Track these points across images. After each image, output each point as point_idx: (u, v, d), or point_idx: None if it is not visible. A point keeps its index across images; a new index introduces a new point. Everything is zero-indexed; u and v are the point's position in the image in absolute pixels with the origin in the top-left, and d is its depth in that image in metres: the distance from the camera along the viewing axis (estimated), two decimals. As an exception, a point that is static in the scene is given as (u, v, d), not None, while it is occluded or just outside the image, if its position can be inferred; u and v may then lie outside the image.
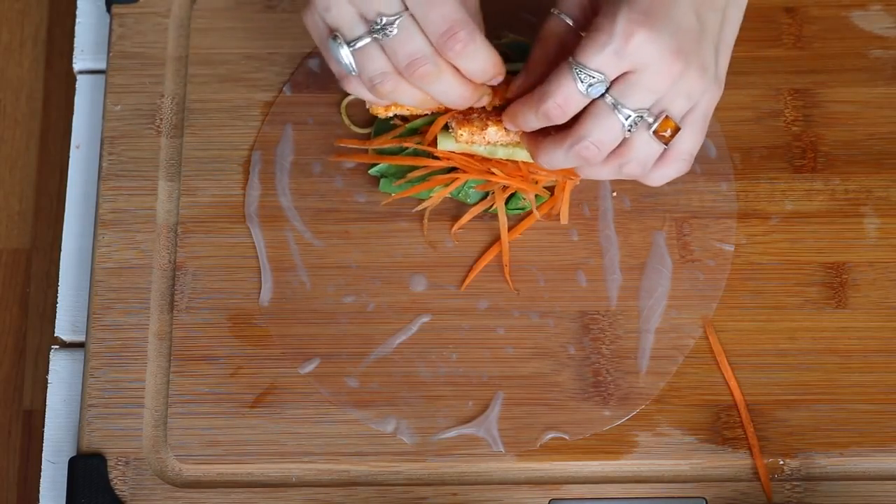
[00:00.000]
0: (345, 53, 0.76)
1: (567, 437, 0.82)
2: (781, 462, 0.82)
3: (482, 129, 0.81)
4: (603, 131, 0.75)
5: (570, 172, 0.83)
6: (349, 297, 0.85)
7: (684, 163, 0.78)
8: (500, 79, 0.79)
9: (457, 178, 0.84)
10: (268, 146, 0.89)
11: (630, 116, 0.74)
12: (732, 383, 0.83)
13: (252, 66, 0.91)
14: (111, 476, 0.82)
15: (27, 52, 1.07)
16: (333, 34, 0.76)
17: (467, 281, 0.86)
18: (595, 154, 0.76)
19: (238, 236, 0.87)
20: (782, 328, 0.85)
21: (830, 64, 0.91)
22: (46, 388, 0.87)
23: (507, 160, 0.83)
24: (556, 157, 0.77)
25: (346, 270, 0.86)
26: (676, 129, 0.75)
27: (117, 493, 0.82)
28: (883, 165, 0.88)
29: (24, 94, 1.06)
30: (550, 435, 0.82)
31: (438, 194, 0.85)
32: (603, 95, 0.74)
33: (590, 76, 0.73)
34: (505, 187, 0.85)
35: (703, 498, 0.81)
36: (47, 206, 1.03)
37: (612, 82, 0.73)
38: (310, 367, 0.84)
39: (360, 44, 0.75)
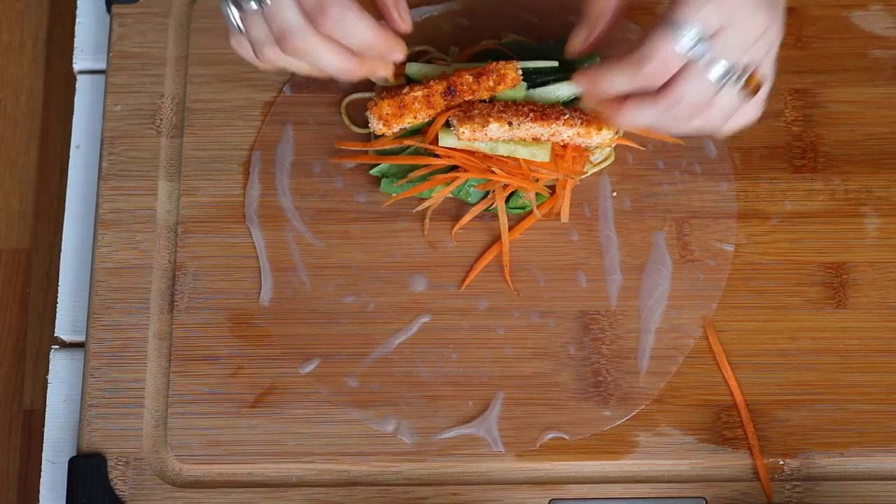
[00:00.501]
0: (233, 14, 0.77)
1: (567, 437, 0.82)
2: (781, 462, 0.82)
3: (483, 126, 0.82)
4: (697, 92, 0.74)
5: (575, 170, 0.84)
6: (349, 297, 0.85)
7: (760, 107, 0.78)
8: (398, 55, 0.78)
9: (457, 177, 0.84)
10: (268, 146, 0.89)
11: (721, 74, 0.74)
12: (732, 383, 0.83)
13: (252, 66, 0.90)
14: (111, 476, 0.82)
15: (27, 52, 1.07)
16: None
17: (467, 281, 0.86)
18: (687, 114, 0.75)
19: (238, 236, 0.87)
20: (782, 328, 0.85)
21: (830, 64, 0.91)
22: (46, 388, 0.87)
23: (507, 157, 0.83)
24: (645, 117, 0.76)
25: (346, 270, 0.86)
26: (760, 86, 0.75)
27: (117, 493, 0.82)
28: (883, 165, 0.88)
29: (24, 94, 1.06)
30: (550, 435, 0.82)
31: (439, 194, 0.85)
32: (696, 56, 0.73)
33: (689, 35, 0.72)
34: (505, 186, 0.85)
35: (703, 498, 0.81)
36: (47, 206, 1.03)
37: (707, 40, 0.73)
38: (310, 367, 0.84)
39: (246, 7, 0.76)
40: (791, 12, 0.92)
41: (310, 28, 0.75)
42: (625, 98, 0.77)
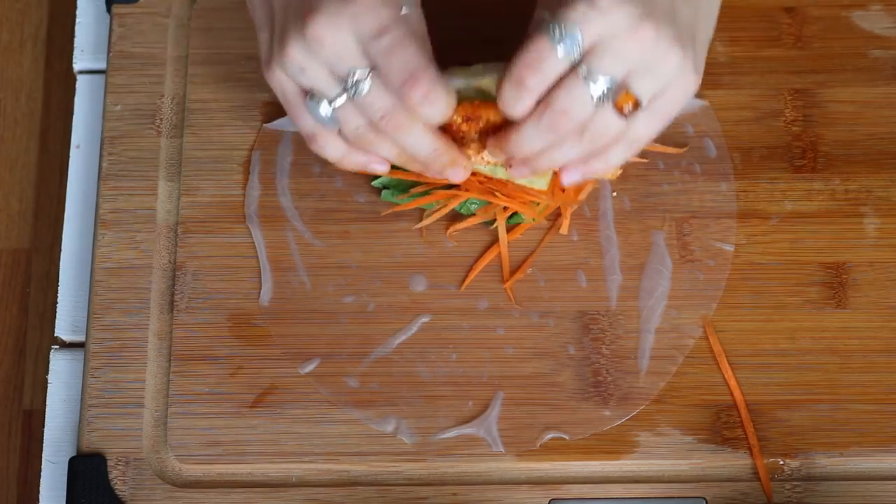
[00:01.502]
0: (325, 111, 0.76)
1: (567, 437, 0.82)
2: (781, 462, 0.82)
3: (479, 152, 0.81)
4: (573, 100, 0.73)
5: (573, 199, 0.83)
6: (349, 297, 0.85)
7: (631, 150, 0.77)
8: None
9: (458, 195, 0.84)
10: (268, 146, 0.89)
11: (601, 88, 0.72)
12: (732, 383, 0.83)
13: (252, 66, 0.91)
14: (111, 476, 0.82)
15: (27, 52, 1.07)
16: (309, 94, 0.76)
17: (467, 281, 0.86)
18: (565, 123, 0.74)
19: (238, 236, 0.87)
20: (782, 328, 0.85)
21: (830, 64, 0.91)
22: (46, 388, 0.87)
23: (507, 180, 0.83)
24: (527, 133, 0.75)
25: (346, 270, 0.86)
26: (637, 105, 0.74)
27: (117, 493, 0.82)
28: (883, 165, 0.88)
29: (24, 94, 1.06)
30: (550, 435, 0.82)
31: (440, 211, 0.85)
32: (576, 67, 0.72)
33: (562, 29, 0.71)
34: (505, 207, 0.85)
35: (703, 498, 0.81)
36: (47, 206, 1.02)
37: (585, 53, 0.72)
38: (310, 367, 0.84)
39: (338, 102, 0.76)
40: (791, 12, 0.92)
41: (400, 109, 0.75)
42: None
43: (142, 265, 0.87)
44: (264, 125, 0.89)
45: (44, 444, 0.85)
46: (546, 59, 0.72)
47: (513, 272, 0.86)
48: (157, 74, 0.91)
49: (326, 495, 0.82)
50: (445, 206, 0.85)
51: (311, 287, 0.86)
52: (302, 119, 0.78)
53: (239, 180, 0.88)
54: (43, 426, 0.86)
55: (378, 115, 0.75)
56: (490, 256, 0.86)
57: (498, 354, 0.84)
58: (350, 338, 0.85)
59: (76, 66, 0.94)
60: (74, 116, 0.93)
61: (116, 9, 0.92)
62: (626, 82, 0.73)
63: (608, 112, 0.74)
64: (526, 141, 0.76)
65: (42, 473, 0.85)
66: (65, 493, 0.82)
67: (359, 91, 0.75)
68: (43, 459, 0.85)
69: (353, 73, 0.74)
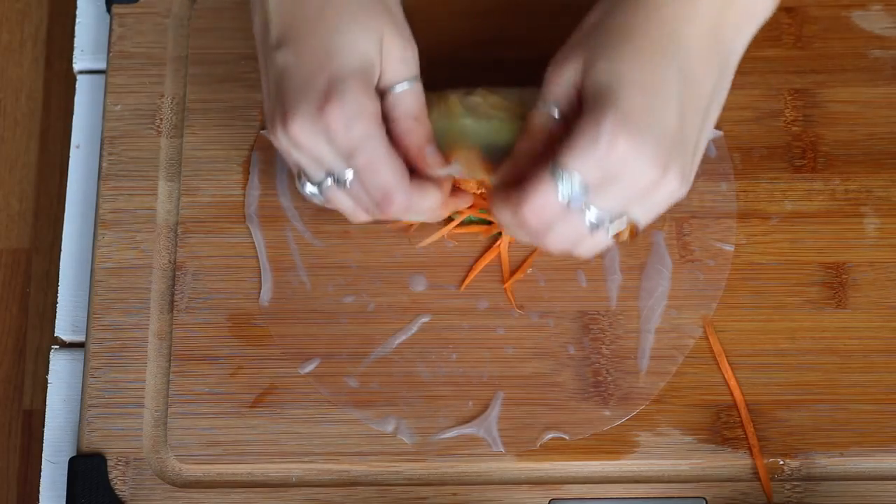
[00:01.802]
0: (310, 190, 0.78)
1: (567, 437, 0.82)
2: (781, 462, 0.82)
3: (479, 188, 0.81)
4: (571, 229, 0.74)
5: None
6: (349, 297, 0.85)
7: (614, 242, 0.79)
8: (467, 202, 0.81)
9: (461, 212, 0.84)
10: (268, 146, 0.89)
11: (596, 216, 0.73)
12: (732, 383, 0.83)
13: (252, 66, 0.90)
14: (111, 476, 0.82)
15: (27, 52, 1.07)
16: (299, 172, 0.78)
17: (467, 281, 0.86)
18: (562, 244, 0.75)
19: (238, 236, 0.87)
20: (782, 328, 0.85)
21: (830, 64, 0.91)
22: (46, 388, 0.87)
23: None
24: (525, 238, 0.76)
25: (346, 270, 0.86)
26: (635, 233, 0.78)
27: (117, 493, 0.82)
28: (883, 165, 0.88)
29: (24, 94, 1.06)
30: (550, 435, 0.82)
31: (443, 231, 0.85)
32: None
33: (570, 182, 0.72)
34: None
35: (703, 498, 0.81)
36: (47, 206, 1.03)
37: (585, 191, 0.73)
38: (310, 367, 0.84)
39: (324, 186, 0.77)
40: (791, 12, 0.92)
41: (403, 182, 0.76)
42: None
43: (142, 265, 0.87)
44: (261, 131, 0.89)
45: (44, 444, 0.85)
46: (548, 202, 0.73)
47: (513, 272, 0.86)
48: (157, 74, 0.91)
49: (326, 495, 0.82)
50: (446, 227, 0.85)
51: (311, 287, 0.86)
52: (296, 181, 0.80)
53: (239, 180, 0.88)
54: (43, 426, 0.86)
55: (365, 204, 0.77)
56: (490, 256, 0.86)
57: (498, 354, 0.84)
58: (350, 338, 0.85)
59: (76, 66, 0.94)
60: (74, 116, 0.93)
61: (116, 9, 0.92)
62: (626, 212, 0.74)
63: (601, 235, 0.75)
64: (524, 240, 0.77)
65: (42, 473, 0.85)
66: (65, 493, 0.82)
67: (343, 182, 0.76)
68: (43, 459, 0.85)
69: (335, 170, 0.76)
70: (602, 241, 0.75)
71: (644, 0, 0.73)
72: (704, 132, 0.75)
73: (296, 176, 0.79)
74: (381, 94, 0.76)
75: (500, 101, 0.80)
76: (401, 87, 0.76)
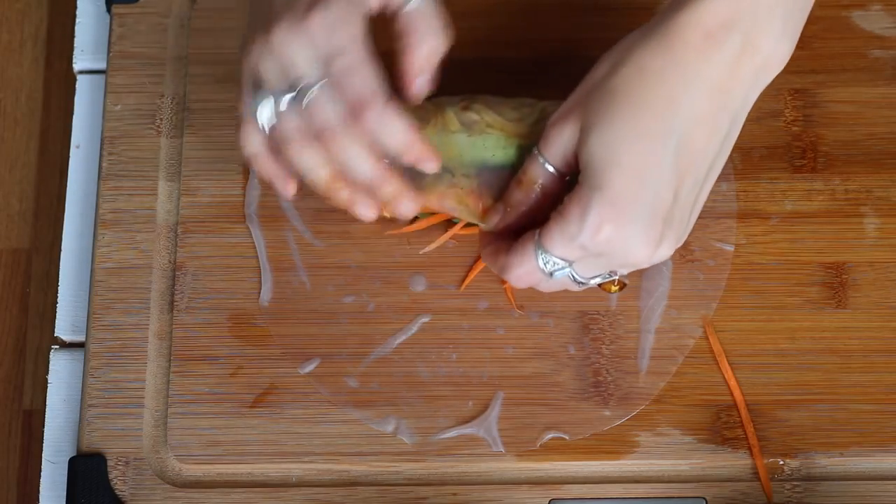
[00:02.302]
0: (266, 107, 0.74)
1: (567, 437, 0.82)
2: (781, 462, 0.82)
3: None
4: (555, 285, 0.77)
5: None
6: (349, 297, 0.85)
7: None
8: (431, 166, 0.76)
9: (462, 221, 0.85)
10: (268, 146, 0.89)
11: (583, 279, 0.76)
12: (732, 383, 0.83)
13: (252, 66, 0.90)
14: (111, 476, 0.82)
15: (27, 52, 1.07)
16: (258, 85, 0.75)
17: (467, 281, 0.86)
18: (552, 289, 0.78)
19: (238, 236, 0.87)
20: (782, 328, 0.85)
21: (830, 64, 0.91)
22: (46, 388, 0.87)
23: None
24: (497, 268, 0.78)
25: (346, 270, 0.86)
26: (622, 286, 0.79)
27: (117, 493, 0.82)
28: (883, 165, 0.88)
29: (24, 94, 1.06)
30: (550, 435, 0.82)
31: (443, 238, 0.85)
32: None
33: (553, 261, 0.74)
34: None
35: (703, 498, 0.81)
36: (47, 206, 1.02)
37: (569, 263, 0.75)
38: (310, 367, 0.84)
39: (282, 103, 0.74)
40: (791, 12, 0.92)
41: (348, 124, 0.74)
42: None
43: (142, 265, 0.87)
44: None
45: (44, 444, 0.85)
46: (532, 270, 0.75)
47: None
48: (157, 74, 0.91)
49: (326, 495, 0.82)
50: (446, 235, 0.86)
51: (311, 287, 0.86)
52: (243, 104, 0.76)
53: (239, 180, 0.88)
54: (43, 426, 0.86)
55: (320, 124, 0.74)
56: (490, 256, 0.86)
57: (498, 354, 0.84)
58: (350, 338, 0.85)
59: (76, 66, 0.94)
60: (74, 116, 0.93)
61: (116, 9, 0.92)
62: (611, 275, 0.77)
63: (586, 286, 0.78)
64: (514, 283, 0.78)
65: (42, 473, 0.85)
66: (65, 493, 0.82)
67: (305, 97, 0.73)
68: (43, 459, 0.85)
69: (303, 80, 0.73)
70: (586, 287, 0.78)
71: (649, 65, 0.71)
72: (703, 195, 0.75)
73: (249, 97, 0.75)
74: (393, 15, 0.75)
75: (496, 119, 0.79)
76: (410, 6, 0.74)
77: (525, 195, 0.76)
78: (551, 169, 0.75)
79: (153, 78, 0.91)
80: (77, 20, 0.95)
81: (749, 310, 0.85)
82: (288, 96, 0.73)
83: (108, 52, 0.92)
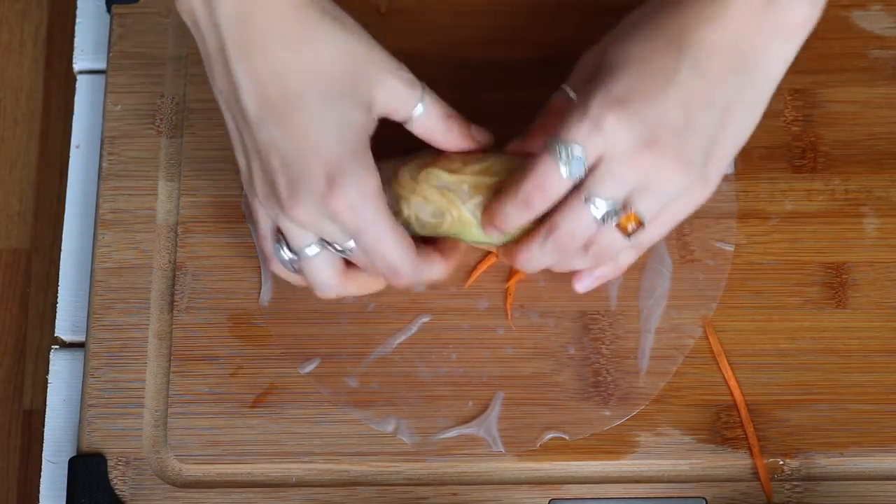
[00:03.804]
0: (289, 255, 0.78)
1: (567, 437, 0.82)
2: (781, 462, 0.82)
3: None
4: (577, 223, 0.74)
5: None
6: (349, 296, 0.85)
7: (640, 252, 0.80)
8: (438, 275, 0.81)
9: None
10: (268, 146, 0.89)
11: (603, 208, 0.74)
12: (732, 383, 0.83)
13: (252, 66, 0.90)
14: (111, 476, 0.82)
15: (27, 52, 1.07)
16: (277, 237, 0.78)
17: (472, 277, 0.86)
18: (570, 243, 0.75)
19: (238, 236, 0.87)
20: (782, 328, 0.85)
21: (830, 64, 0.91)
22: (46, 388, 0.87)
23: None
24: (534, 252, 0.77)
25: (346, 270, 0.86)
26: (640, 224, 0.75)
27: (117, 493, 0.82)
28: (883, 165, 0.88)
29: (24, 94, 1.06)
30: (550, 435, 0.82)
31: (479, 270, 0.85)
32: (578, 187, 0.73)
33: (567, 151, 0.72)
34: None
35: (703, 498, 0.81)
36: (47, 206, 1.03)
37: (587, 173, 0.73)
38: (310, 367, 0.84)
39: (310, 251, 0.77)
40: (791, 12, 0.92)
41: (411, 256, 0.77)
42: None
43: (142, 265, 0.87)
44: None
45: (44, 444, 0.85)
46: (552, 179, 0.73)
47: (513, 272, 0.85)
48: (157, 74, 0.91)
49: (326, 495, 0.82)
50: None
51: (311, 287, 0.86)
52: (263, 241, 0.79)
53: (239, 180, 0.88)
54: (43, 426, 0.86)
55: (367, 267, 0.78)
56: (492, 258, 0.86)
57: (498, 354, 0.84)
58: (350, 338, 0.85)
59: (76, 66, 0.94)
60: (74, 116, 0.93)
61: (116, 9, 0.92)
62: (629, 202, 0.74)
63: (611, 231, 0.75)
64: (534, 259, 0.77)
65: (42, 473, 0.85)
66: (65, 493, 0.82)
67: (342, 249, 0.76)
68: (43, 459, 0.85)
69: (337, 242, 0.76)
70: (615, 239, 0.75)
71: (674, 4, 0.73)
72: (727, 133, 0.74)
73: (269, 238, 0.78)
74: (402, 123, 0.76)
75: (478, 180, 0.78)
76: (418, 111, 0.76)
77: (543, 121, 0.78)
78: (572, 94, 0.77)
79: (153, 78, 0.91)
80: (77, 20, 0.95)
81: (749, 310, 0.85)
82: (314, 247, 0.77)
83: (108, 52, 0.92)
